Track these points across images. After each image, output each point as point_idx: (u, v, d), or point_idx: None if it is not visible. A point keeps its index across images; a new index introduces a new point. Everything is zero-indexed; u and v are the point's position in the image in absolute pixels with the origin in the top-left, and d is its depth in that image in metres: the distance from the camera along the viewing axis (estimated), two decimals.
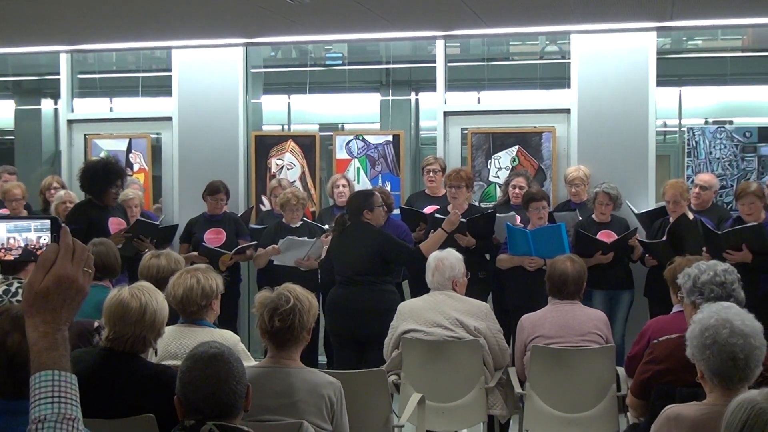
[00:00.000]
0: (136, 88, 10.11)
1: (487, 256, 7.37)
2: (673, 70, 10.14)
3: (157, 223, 7.70)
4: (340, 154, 8.93)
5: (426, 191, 8.02)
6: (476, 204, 8.01)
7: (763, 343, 3.12)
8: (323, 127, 10.79)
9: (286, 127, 11.00)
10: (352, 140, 8.94)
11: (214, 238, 7.75)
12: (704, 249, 6.50)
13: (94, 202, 7.06)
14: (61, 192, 7.89)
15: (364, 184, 8.59)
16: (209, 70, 8.94)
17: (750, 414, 2.20)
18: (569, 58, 8.37)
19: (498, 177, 8.40)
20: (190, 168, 8.92)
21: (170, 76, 9.05)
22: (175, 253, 5.52)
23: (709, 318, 3.16)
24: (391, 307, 5.77)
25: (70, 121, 9.52)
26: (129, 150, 9.25)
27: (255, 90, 9.36)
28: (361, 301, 6.08)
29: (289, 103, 11.09)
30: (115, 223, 7.06)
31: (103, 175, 6.98)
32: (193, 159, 8.93)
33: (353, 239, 6.26)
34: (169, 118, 9.09)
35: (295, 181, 8.75)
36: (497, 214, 7.22)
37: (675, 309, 4.71)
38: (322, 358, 7.83)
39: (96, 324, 4.05)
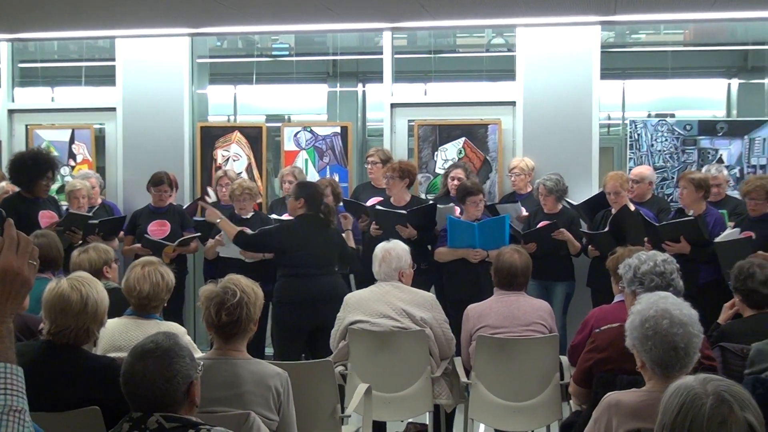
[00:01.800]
0: (79, 77, 9.97)
1: (429, 248, 7.44)
2: (617, 64, 10.25)
3: (90, 214, 7.56)
4: (288, 146, 8.92)
5: (371, 183, 8.07)
6: (421, 195, 8.07)
7: (700, 330, 3.21)
8: (270, 118, 10.74)
9: (232, 118, 10.93)
10: (300, 132, 8.93)
11: (158, 230, 7.69)
12: (645, 239, 6.64)
13: (23, 194, 6.91)
14: (2, 183, 7.74)
15: (312, 175, 8.59)
16: (154, 60, 8.86)
17: (686, 398, 2.26)
18: (515, 51, 8.45)
19: (444, 169, 8.45)
20: (134, 159, 8.85)
21: (114, 65, 8.96)
22: (102, 244, 5.49)
23: (648, 309, 3.22)
24: (345, 292, 6.06)
25: (10, 111, 9.38)
26: (72, 141, 9.14)
27: (201, 80, 9.31)
28: (328, 290, 6.18)
29: (235, 93, 11.02)
30: (46, 217, 6.93)
31: (32, 166, 6.81)
32: (138, 150, 8.86)
33: (317, 231, 6.37)
34: (113, 109, 9.00)
35: (241, 173, 8.72)
36: (438, 206, 7.27)
37: (617, 298, 4.80)
38: (270, 350, 7.83)
39: (41, 326, 4.01)
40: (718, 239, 6.50)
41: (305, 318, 6.22)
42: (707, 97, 10.89)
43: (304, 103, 11.49)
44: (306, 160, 8.89)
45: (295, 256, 6.37)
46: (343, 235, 6.77)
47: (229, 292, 3.66)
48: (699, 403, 2.23)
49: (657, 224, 6.81)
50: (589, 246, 7.16)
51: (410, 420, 5.75)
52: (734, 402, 2.22)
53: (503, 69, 9.04)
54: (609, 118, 10.59)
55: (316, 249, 6.34)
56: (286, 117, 11.01)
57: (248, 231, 6.70)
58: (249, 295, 3.69)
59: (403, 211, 7.11)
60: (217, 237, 7.25)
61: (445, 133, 8.59)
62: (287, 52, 10.73)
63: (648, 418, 2.94)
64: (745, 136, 8.19)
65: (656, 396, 2.67)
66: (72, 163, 9.04)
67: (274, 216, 7.58)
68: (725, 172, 7.56)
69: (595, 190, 8.01)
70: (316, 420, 4.42)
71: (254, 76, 10.12)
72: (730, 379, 3.74)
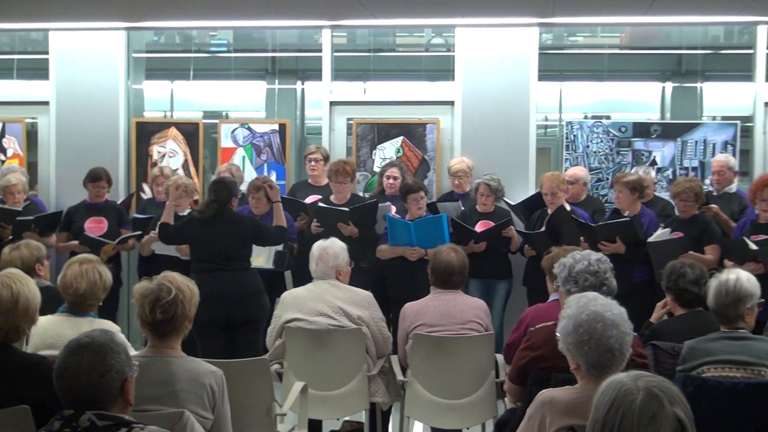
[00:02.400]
0: (11, 70, 9.77)
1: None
2: (555, 66, 10.38)
3: (19, 209, 7.44)
4: (225, 143, 8.86)
5: (309, 181, 8.04)
6: (359, 194, 8.07)
7: (630, 327, 3.24)
8: (207, 114, 10.68)
9: (168, 113, 10.82)
10: (237, 128, 8.88)
11: (95, 227, 7.58)
12: (582, 239, 6.74)
13: None
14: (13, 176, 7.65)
15: (249, 173, 8.53)
16: (89, 54, 8.73)
17: (618, 394, 2.30)
18: (454, 51, 8.49)
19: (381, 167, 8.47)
20: (67, 154, 8.70)
21: (47, 59, 8.80)
22: (33, 241, 5.41)
23: (580, 314, 3.22)
24: (261, 288, 6.22)
25: None
26: (2, 135, 8.96)
27: (137, 75, 9.19)
28: (235, 286, 6.12)
29: (172, 89, 10.92)
30: None
31: None
32: (72, 145, 8.71)
33: (224, 226, 6.28)
34: (46, 103, 8.84)
35: (177, 169, 8.63)
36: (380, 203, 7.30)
37: (552, 297, 4.85)
38: None
39: None
40: (650, 239, 6.62)
41: (214, 313, 6.03)
42: (642, 100, 11.08)
43: (242, 100, 11.43)
44: (243, 157, 8.83)
45: (202, 250, 6.32)
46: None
47: (164, 290, 3.62)
48: (630, 398, 2.27)
49: (593, 225, 6.91)
50: (525, 245, 7.23)
51: (346, 418, 5.75)
52: (664, 397, 2.26)
53: (442, 69, 9.07)
54: (546, 119, 10.71)
55: (223, 244, 6.25)
56: (224, 114, 10.94)
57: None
58: (184, 293, 3.66)
59: (345, 209, 7.10)
60: (152, 233, 7.17)
61: (384, 131, 8.60)
62: (225, 48, 10.67)
63: (581, 415, 2.97)
64: (678, 139, 8.34)
65: (589, 393, 2.71)
66: (2, 157, 8.86)
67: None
68: (653, 173, 7.69)
69: (532, 191, 8.09)
70: (252, 418, 4.40)
71: (191, 72, 10.04)
72: (661, 376, 3.82)
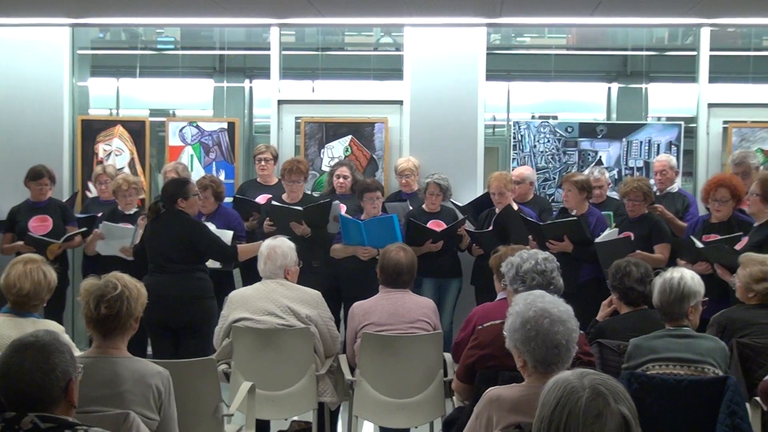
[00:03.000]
0: None
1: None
2: (502, 66, 10.45)
3: None
4: (173, 141, 8.78)
5: (258, 180, 8.00)
6: (309, 193, 8.05)
7: (577, 324, 3.27)
8: (154, 112, 10.57)
9: (114, 111, 10.70)
10: (185, 127, 8.80)
11: (39, 225, 7.47)
12: (530, 237, 6.79)
13: None
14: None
15: (197, 171, 8.46)
16: (32, 51, 8.58)
17: (563, 392, 2.32)
18: (403, 51, 8.51)
19: (330, 167, 8.45)
20: (10, 153, 8.53)
21: None
22: None
23: (527, 310, 3.26)
24: (204, 294, 6.06)
25: None
26: None
27: (82, 72, 9.06)
28: (173, 289, 5.99)
29: (118, 87, 10.79)
30: None
31: None
32: (14, 143, 8.56)
33: (166, 227, 6.19)
34: None
35: (123, 168, 8.54)
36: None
37: (499, 296, 4.87)
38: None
39: None
40: (597, 240, 6.68)
41: (159, 315, 5.91)
42: (588, 101, 11.21)
43: (190, 98, 11.34)
44: (192, 155, 8.75)
45: (149, 250, 6.25)
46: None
47: (110, 286, 3.59)
48: (576, 396, 2.29)
49: (541, 224, 6.96)
50: (474, 245, 7.27)
51: (294, 418, 5.74)
52: (609, 395, 2.28)
53: (391, 68, 9.09)
54: (494, 119, 10.79)
55: (169, 247, 6.15)
56: (171, 112, 10.84)
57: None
58: (131, 290, 3.62)
59: (299, 208, 7.08)
60: (95, 230, 7.09)
61: (332, 130, 8.59)
62: (173, 46, 10.58)
63: (527, 413, 2.99)
64: (624, 139, 8.44)
65: (536, 391, 2.72)
66: None
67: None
68: (607, 174, 7.77)
69: (480, 190, 8.14)
70: (198, 419, 4.37)
71: (138, 70, 9.93)
72: (606, 374, 3.87)
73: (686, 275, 4.30)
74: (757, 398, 4.33)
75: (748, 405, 4.15)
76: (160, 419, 3.59)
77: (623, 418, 2.26)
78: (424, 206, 7.46)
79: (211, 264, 6.69)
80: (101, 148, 8.70)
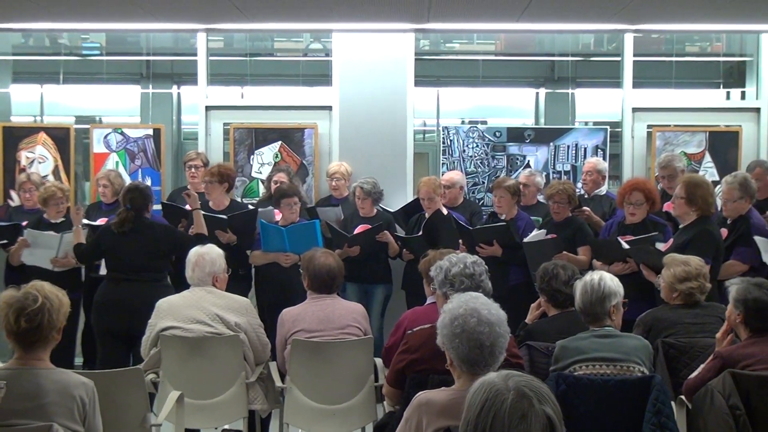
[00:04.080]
0: None
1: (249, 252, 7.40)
2: (432, 72, 10.50)
3: None
4: (98, 148, 8.66)
5: (188, 187, 7.90)
6: (238, 200, 8.00)
7: (507, 330, 3.30)
8: (80, 119, 10.39)
9: (38, 118, 10.49)
10: (110, 133, 8.69)
11: None
12: (461, 242, 6.84)
13: None
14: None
15: (123, 179, 8.33)
16: None
17: (489, 394, 2.33)
18: (332, 56, 8.51)
19: (260, 173, 8.43)
20: None
21: None
22: None
23: (458, 308, 3.30)
24: None
25: None
26: None
27: (3, 78, 8.88)
28: (142, 296, 5.94)
29: (41, 93, 10.59)
30: None
31: None
32: None
33: (139, 236, 6.21)
34: None
35: (47, 175, 8.38)
36: (260, 209, 7.24)
37: (429, 300, 4.90)
38: (80, 359, 7.55)
39: None
40: (526, 240, 6.77)
41: (120, 322, 6.07)
42: (517, 106, 11.33)
43: (116, 105, 11.18)
44: (117, 162, 8.64)
45: (114, 259, 6.25)
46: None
47: (30, 298, 3.51)
48: (501, 398, 2.31)
49: (471, 228, 7.01)
50: (404, 249, 7.29)
51: (225, 427, 5.67)
52: (534, 396, 2.30)
53: (320, 74, 9.08)
54: (424, 124, 10.83)
55: (135, 253, 6.19)
56: (98, 118, 10.67)
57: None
58: (52, 302, 3.55)
59: (223, 216, 7.02)
60: (20, 238, 6.95)
61: (261, 136, 8.55)
62: (98, 52, 10.42)
63: (457, 416, 2.99)
64: (551, 143, 8.55)
65: (464, 394, 2.73)
66: None
67: (86, 221, 7.32)
68: (538, 177, 7.85)
69: (410, 195, 8.17)
70: (125, 429, 4.30)
71: (61, 76, 9.76)
72: (534, 376, 3.91)
73: (606, 277, 4.39)
74: (682, 397, 4.41)
75: (673, 403, 4.23)
76: (85, 431, 3.53)
77: (548, 419, 2.28)
78: (360, 211, 7.48)
79: None
80: (24, 156, 8.53)
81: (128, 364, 6.00)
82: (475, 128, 8.65)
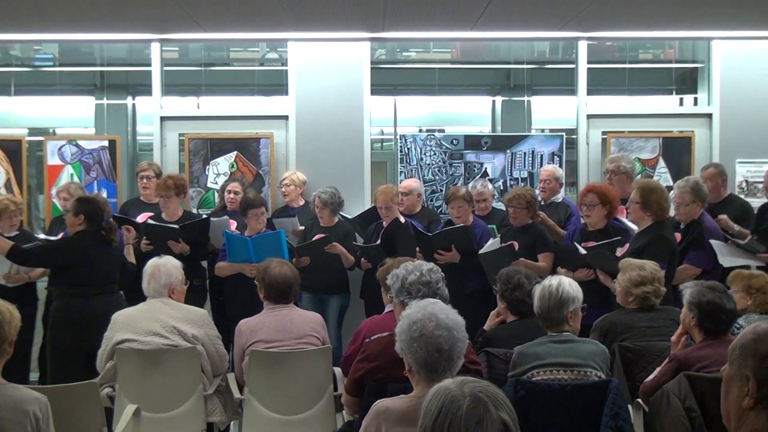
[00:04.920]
0: None
1: (204, 263, 7.36)
2: (388, 80, 10.51)
3: None
4: (52, 160, 8.56)
5: (141, 198, 7.86)
6: (192, 210, 7.95)
7: (464, 336, 3.32)
8: (32, 131, 10.27)
9: None
10: (64, 145, 8.59)
11: None
12: (418, 249, 6.84)
13: None
14: None
15: (84, 190, 8.25)
16: None
17: (445, 401, 2.33)
18: (288, 66, 8.51)
19: (216, 183, 8.39)
20: None
21: None
22: None
23: (417, 313, 3.32)
24: None
25: None
26: None
27: None
28: (101, 309, 5.87)
29: None
30: None
31: None
32: None
33: (102, 248, 6.13)
34: None
35: None
36: (212, 219, 7.20)
37: (387, 308, 4.91)
38: (35, 374, 7.44)
39: None
40: (481, 251, 6.76)
41: (84, 339, 5.90)
42: (474, 113, 11.36)
43: (70, 116, 11.06)
44: (72, 174, 8.55)
45: (74, 274, 6.10)
46: (125, 251, 6.58)
47: None
48: (457, 404, 2.31)
49: (430, 234, 7.02)
50: (362, 258, 7.28)
51: None
52: (489, 402, 2.30)
53: (276, 83, 9.06)
54: (382, 132, 10.83)
55: (97, 267, 6.10)
56: (51, 130, 10.56)
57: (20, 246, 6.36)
58: (3, 314, 3.50)
59: (176, 226, 6.97)
60: None
61: (217, 146, 8.51)
62: (51, 63, 10.31)
63: (415, 423, 2.95)
64: (508, 150, 8.60)
65: (422, 401, 2.74)
66: None
67: (41, 235, 7.23)
68: (490, 186, 7.88)
69: (368, 204, 8.18)
70: None
71: (13, 87, 9.64)
72: (492, 382, 3.92)
73: (564, 282, 4.41)
74: (639, 400, 4.45)
75: (630, 406, 4.26)
76: None
77: (504, 424, 2.29)
78: (320, 221, 7.48)
79: None
80: None
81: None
82: (432, 136, 8.68)
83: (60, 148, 8.59)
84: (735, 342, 2.25)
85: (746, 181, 8.51)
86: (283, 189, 7.90)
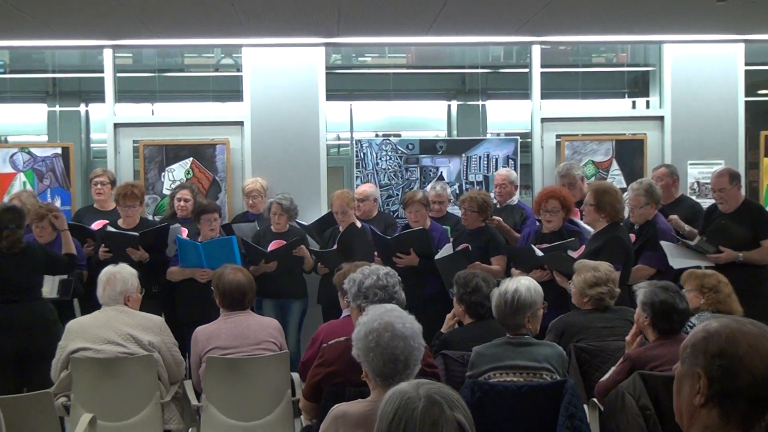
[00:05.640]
0: None
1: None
2: (344, 85, 10.51)
3: None
4: (4, 168, 8.45)
5: (95, 205, 7.78)
6: (149, 217, 7.89)
7: (421, 343, 3.31)
8: None
9: None
10: (16, 153, 8.49)
11: None
12: (376, 253, 6.85)
13: None
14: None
15: (36, 199, 8.14)
16: None
17: (400, 403, 2.33)
18: (243, 71, 8.48)
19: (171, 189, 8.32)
20: None
21: None
22: None
23: (373, 321, 3.30)
24: (53, 317, 5.99)
25: None
26: None
27: None
28: (26, 315, 5.86)
29: None
30: None
31: None
32: None
33: (17, 256, 6.01)
34: None
35: None
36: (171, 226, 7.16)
37: (344, 313, 4.89)
38: None
39: None
40: (437, 257, 6.78)
41: (4, 346, 5.84)
42: (429, 118, 11.40)
43: (22, 123, 10.92)
44: (24, 182, 8.44)
45: (1, 281, 6.01)
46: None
47: None
48: (412, 406, 2.31)
49: (389, 237, 7.03)
50: (319, 264, 7.27)
51: None
52: (444, 403, 2.31)
53: (231, 89, 9.02)
54: (338, 138, 10.83)
55: (19, 274, 5.99)
56: (3, 138, 10.42)
57: None
58: None
59: (135, 233, 6.91)
60: None
61: (172, 153, 8.45)
62: (2, 70, 10.18)
63: (372, 427, 2.99)
64: (463, 154, 8.64)
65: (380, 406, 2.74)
66: None
67: None
68: (448, 190, 7.91)
69: (324, 209, 8.18)
70: None
71: None
72: (450, 384, 3.93)
73: (521, 287, 4.41)
74: (595, 399, 4.49)
75: (586, 406, 4.30)
76: None
77: (459, 425, 2.29)
78: (271, 227, 7.43)
79: (49, 294, 6.47)
80: None
81: (21, 390, 5.81)
82: (388, 141, 8.70)
83: (12, 156, 8.49)
84: (686, 341, 2.28)
85: (698, 183, 8.64)
86: (251, 201, 7.87)
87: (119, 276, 5.25)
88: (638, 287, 4.63)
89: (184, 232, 7.17)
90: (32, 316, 5.91)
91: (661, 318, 4.41)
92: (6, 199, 7.87)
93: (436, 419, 2.28)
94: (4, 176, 8.44)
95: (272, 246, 7.21)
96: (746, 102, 8.76)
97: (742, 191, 6.88)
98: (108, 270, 5.31)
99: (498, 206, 7.67)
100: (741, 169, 8.25)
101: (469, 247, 6.76)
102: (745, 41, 8.65)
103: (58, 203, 8.14)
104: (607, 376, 4.48)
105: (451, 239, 7.11)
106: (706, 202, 7.69)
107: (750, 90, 8.85)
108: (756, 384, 2.15)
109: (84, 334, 5.09)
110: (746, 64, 8.73)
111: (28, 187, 8.36)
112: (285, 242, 7.23)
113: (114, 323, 5.11)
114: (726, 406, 2.18)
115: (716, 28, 8.20)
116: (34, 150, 8.55)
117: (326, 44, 8.42)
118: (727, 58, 8.70)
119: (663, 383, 4.01)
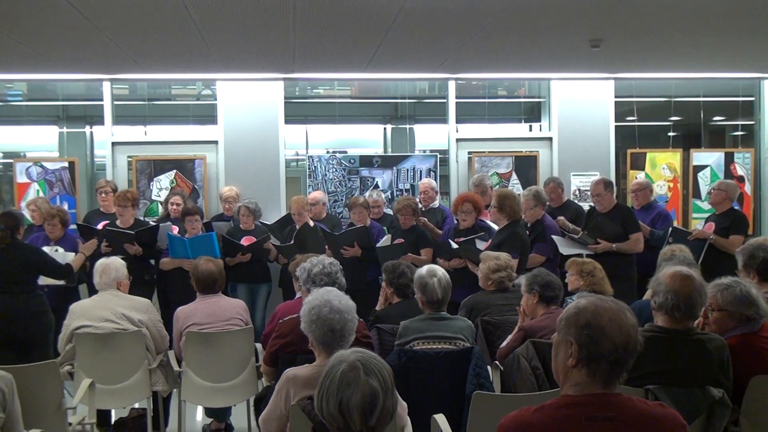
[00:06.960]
0: None
1: (152, 261, 7.20)
2: (301, 112, 10.45)
3: None
4: (21, 179, 8.26)
5: (100, 209, 7.65)
6: (141, 218, 7.77)
7: (354, 317, 3.30)
8: (5, 155, 9.90)
9: None
10: (31, 166, 8.31)
11: None
12: (327, 247, 6.82)
13: None
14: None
15: (50, 204, 7.97)
16: None
17: (333, 365, 2.36)
18: (217, 100, 8.40)
19: (159, 196, 8.25)
20: None
21: None
22: None
23: (315, 300, 3.29)
24: (45, 308, 5.73)
25: None
26: None
27: None
28: (19, 305, 5.63)
29: None
30: None
31: None
32: None
33: (9, 253, 5.76)
34: None
35: None
36: (161, 225, 7.07)
37: (297, 295, 4.86)
38: None
39: None
40: (378, 245, 6.81)
41: (4, 330, 5.58)
42: (369, 138, 11.37)
43: (38, 142, 10.66)
44: (38, 190, 8.28)
45: None
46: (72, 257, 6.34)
47: None
48: (337, 368, 2.32)
49: (337, 233, 7.03)
50: (279, 255, 7.23)
51: (133, 406, 5.48)
52: (362, 369, 2.31)
53: (208, 114, 8.92)
54: (297, 154, 10.76)
55: (9, 269, 5.69)
56: (22, 154, 10.18)
57: None
58: None
59: (131, 232, 6.82)
60: None
61: (159, 166, 8.36)
62: (20, 98, 9.93)
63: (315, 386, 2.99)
64: (394, 167, 8.65)
65: (322, 369, 2.72)
66: None
67: None
68: (383, 196, 7.92)
69: (284, 211, 8.13)
70: (44, 413, 4.10)
71: None
72: (382, 351, 3.92)
73: (439, 274, 4.40)
74: (497, 362, 4.51)
75: (489, 368, 4.31)
76: (6, 416, 3.35)
77: (371, 389, 2.29)
78: (240, 225, 7.36)
79: (56, 281, 6.32)
80: None
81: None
82: (334, 157, 8.68)
83: (27, 169, 8.31)
84: (561, 315, 2.31)
85: (579, 190, 8.75)
86: (227, 206, 7.81)
87: (112, 266, 5.15)
88: (524, 276, 4.66)
89: (175, 230, 7.11)
90: (21, 306, 5.62)
91: (545, 288, 4.47)
92: (23, 203, 7.70)
93: (350, 381, 2.29)
94: (21, 185, 8.26)
95: (245, 241, 7.16)
96: (616, 126, 8.89)
97: (614, 196, 6.98)
98: (102, 261, 5.20)
99: (423, 209, 7.69)
100: (613, 179, 8.38)
101: (404, 241, 6.78)
102: (615, 78, 8.79)
103: (66, 207, 7.97)
104: (505, 343, 4.50)
105: (389, 235, 7.12)
106: (585, 205, 7.80)
107: (619, 117, 8.99)
108: (615, 349, 2.19)
109: (85, 313, 4.99)
110: (616, 96, 8.87)
111: (41, 194, 8.20)
112: (254, 238, 7.19)
113: (110, 305, 5.01)
114: (592, 366, 2.21)
115: (592, 68, 8.32)
116: (45, 164, 8.38)
117: (285, 79, 8.37)
118: (601, 91, 8.83)
119: (549, 348, 4.01)
